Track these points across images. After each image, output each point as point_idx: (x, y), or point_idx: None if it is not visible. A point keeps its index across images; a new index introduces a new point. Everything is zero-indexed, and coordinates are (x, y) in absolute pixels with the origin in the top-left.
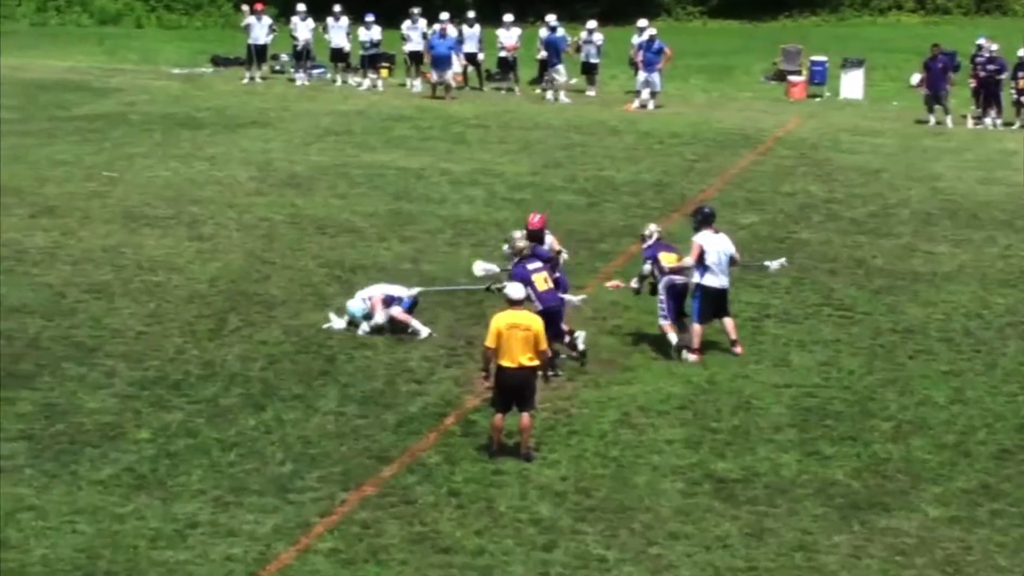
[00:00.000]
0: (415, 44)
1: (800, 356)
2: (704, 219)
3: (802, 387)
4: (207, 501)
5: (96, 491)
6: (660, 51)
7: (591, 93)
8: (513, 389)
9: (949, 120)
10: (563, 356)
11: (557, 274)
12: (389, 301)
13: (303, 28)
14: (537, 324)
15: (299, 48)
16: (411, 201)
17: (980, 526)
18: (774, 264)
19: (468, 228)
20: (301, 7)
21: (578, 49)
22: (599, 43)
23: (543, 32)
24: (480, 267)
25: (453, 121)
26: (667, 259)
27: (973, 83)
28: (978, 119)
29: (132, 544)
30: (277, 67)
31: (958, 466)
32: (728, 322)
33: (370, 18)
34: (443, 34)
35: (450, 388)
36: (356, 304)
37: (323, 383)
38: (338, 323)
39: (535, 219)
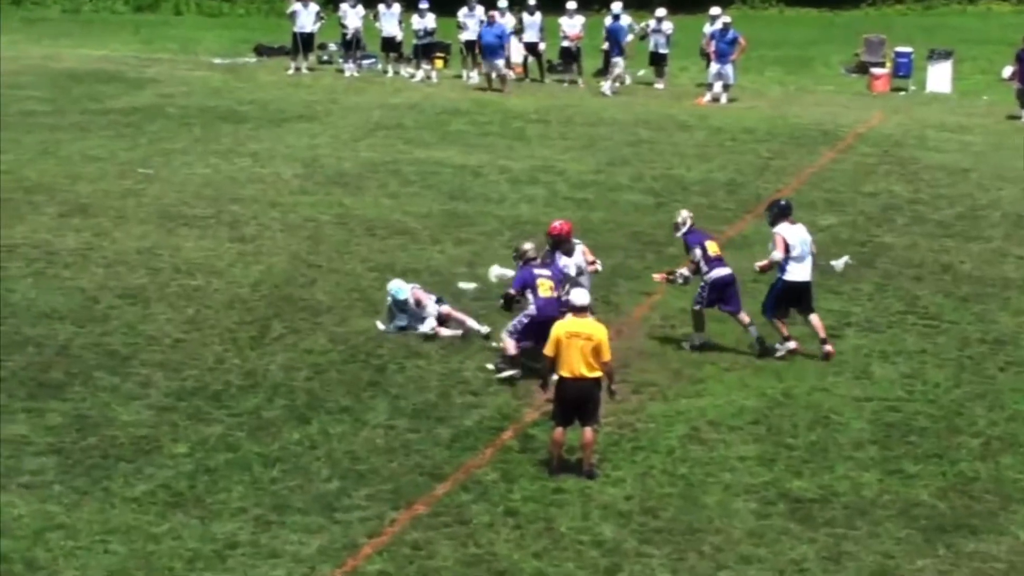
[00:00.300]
0: (472, 33)
1: (882, 368)
2: (781, 211)
3: (884, 401)
4: (248, 520)
5: (130, 509)
6: (734, 41)
7: (660, 86)
8: (574, 402)
9: None
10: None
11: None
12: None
13: (353, 15)
14: (600, 333)
15: (348, 37)
16: (467, 201)
17: None
18: (839, 263)
19: (527, 230)
20: None
21: (643, 37)
22: (669, 32)
23: (608, 20)
24: (495, 272)
25: (512, 115)
26: (712, 247)
27: None
28: None
29: (168, 566)
30: (325, 57)
31: None
32: (814, 319)
33: (424, 5)
34: (491, 22)
35: (508, 400)
36: (400, 285)
37: (372, 394)
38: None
39: (559, 224)
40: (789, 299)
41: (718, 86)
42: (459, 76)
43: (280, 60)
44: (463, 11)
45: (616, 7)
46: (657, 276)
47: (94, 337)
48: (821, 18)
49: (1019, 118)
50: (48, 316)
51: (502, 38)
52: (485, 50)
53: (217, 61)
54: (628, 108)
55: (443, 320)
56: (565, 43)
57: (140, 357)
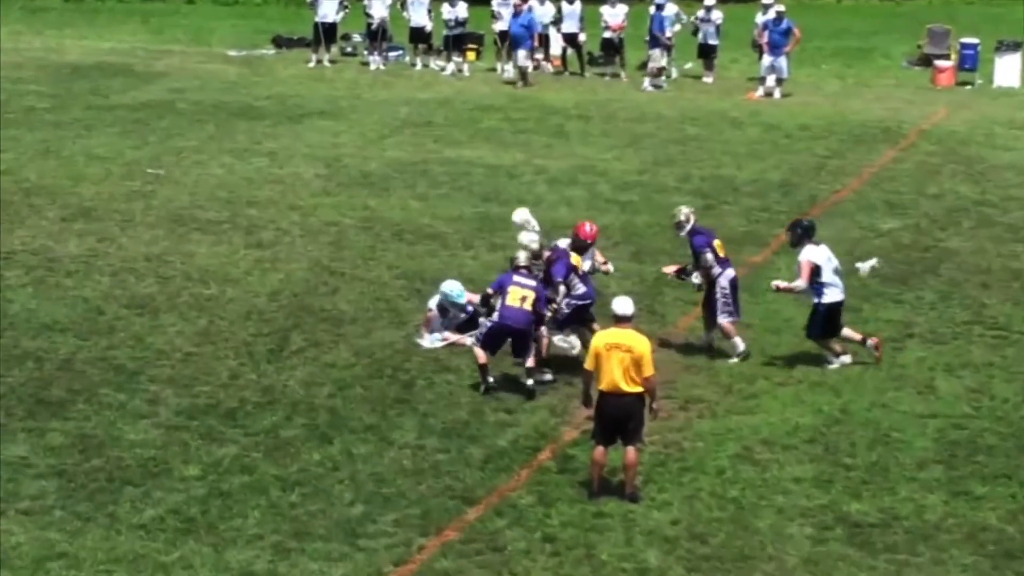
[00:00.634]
0: (507, 23)
1: (947, 382)
2: (805, 232)
3: (949, 417)
4: (265, 547)
5: (137, 536)
6: (788, 32)
7: (708, 80)
8: (615, 419)
9: None
10: (530, 382)
11: (582, 289)
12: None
13: (379, 4)
14: (641, 345)
15: (374, 27)
16: (501, 204)
17: None
18: (865, 266)
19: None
20: None
21: (695, 32)
22: (718, 22)
23: (652, 10)
24: (520, 216)
25: (550, 111)
26: (721, 248)
27: None
28: None
29: None
30: (348, 49)
31: None
32: (846, 330)
33: None
34: (517, 11)
35: (545, 418)
36: (458, 287)
37: (399, 412)
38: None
39: (588, 228)
40: (833, 320)
41: (771, 80)
42: (493, 69)
43: (300, 52)
44: (497, 0)
45: None
46: (668, 269)
47: (99, 351)
48: (882, 7)
49: None
50: (49, 328)
51: (529, 28)
52: (512, 41)
53: (232, 53)
54: (675, 103)
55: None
56: (607, 34)
57: (148, 372)
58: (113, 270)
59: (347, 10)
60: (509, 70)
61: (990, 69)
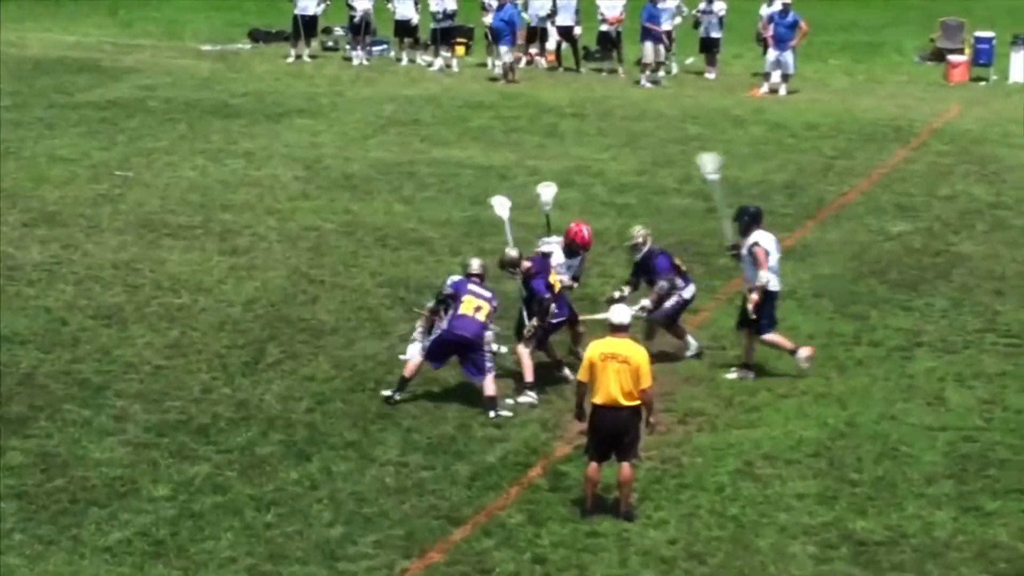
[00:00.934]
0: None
1: (958, 393)
2: (753, 219)
3: (960, 430)
4: (239, 571)
5: (102, 560)
6: (795, 25)
7: (711, 75)
8: (610, 434)
9: None
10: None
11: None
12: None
13: None
14: (639, 356)
15: (356, 20)
16: (491, 207)
17: None
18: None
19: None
20: None
21: (696, 25)
22: (721, 14)
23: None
24: (499, 203)
25: (544, 109)
26: (680, 262)
27: None
28: None
29: None
30: (329, 43)
31: None
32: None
33: None
34: (500, 4)
35: (535, 433)
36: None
37: (381, 428)
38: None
39: (586, 234)
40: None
41: (776, 76)
42: (483, 65)
43: (278, 46)
44: None
45: None
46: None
47: (62, 364)
48: None
49: None
50: (9, 340)
51: (511, 23)
52: (495, 36)
53: (206, 48)
54: (675, 101)
55: None
56: (604, 27)
57: (115, 387)
58: (78, 278)
59: (328, 2)
60: (498, 65)
61: (1006, 64)
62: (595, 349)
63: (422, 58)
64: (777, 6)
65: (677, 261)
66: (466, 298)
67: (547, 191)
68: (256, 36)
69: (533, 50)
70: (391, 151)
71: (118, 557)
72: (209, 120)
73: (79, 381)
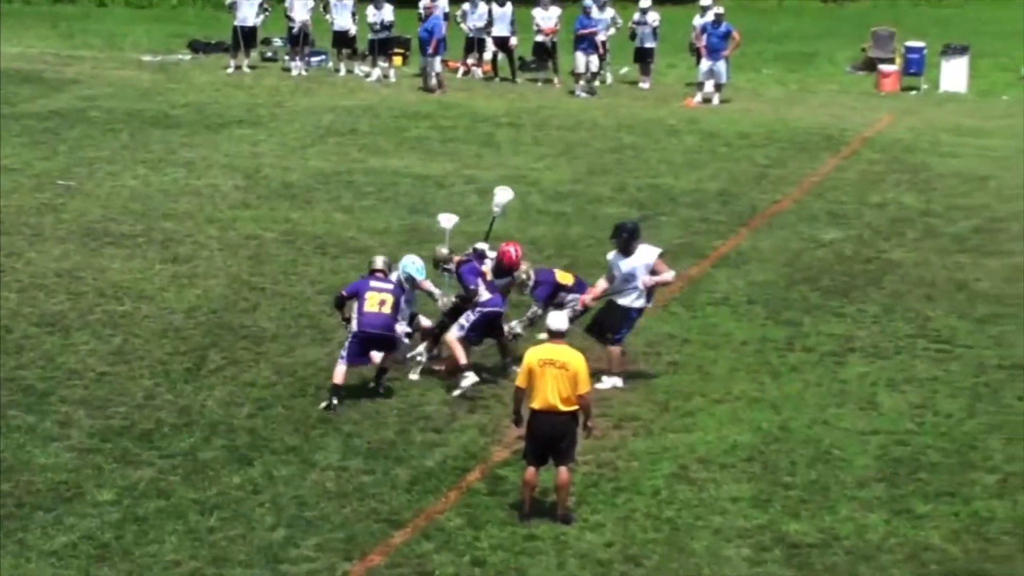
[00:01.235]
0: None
1: (890, 397)
2: (632, 235)
3: (891, 434)
4: (183, 574)
5: (48, 564)
6: (727, 35)
7: (644, 85)
8: (548, 438)
9: None
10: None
11: (487, 295)
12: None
13: (300, 7)
14: (577, 362)
15: (295, 31)
16: (430, 215)
17: None
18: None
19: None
20: None
21: (633, 36)
22: (655, 24)
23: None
24: (446, 219)
25: (480, 119)
26: (564, 277)
27: None
28: None
29: None
30: (269, 54)
31: None
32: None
33: None
34: (427, 14)
35: (474, 438)
36: (418, 262)
37: (322, 433)
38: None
39: (514, 254)
40: None
41: (709, 85)
42: (420, 75)
43: (218, 57)
44: (424, 1)
45: None
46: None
47: (6, 371)
48: (825, 10)
49: None
50: None
51: (432, 33)
52: (420, 46)
53: (147, 59)
54: (610, 110)
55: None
56: (539, 38)
57: (59, 393)
58: (21, 286)
59: (267, 13)
60: (436, 77)
61: (936, 74)
62: (534, 355)
63: (360, 69)
64: (710, 17)
65: (559, 273)
66: (369, 294)
67: (503, 194)
68: (196, 47)
69: (470, 60)
70: (330, 160)
71: (64, 561)
72: (150, 130)
73: (23, 387)
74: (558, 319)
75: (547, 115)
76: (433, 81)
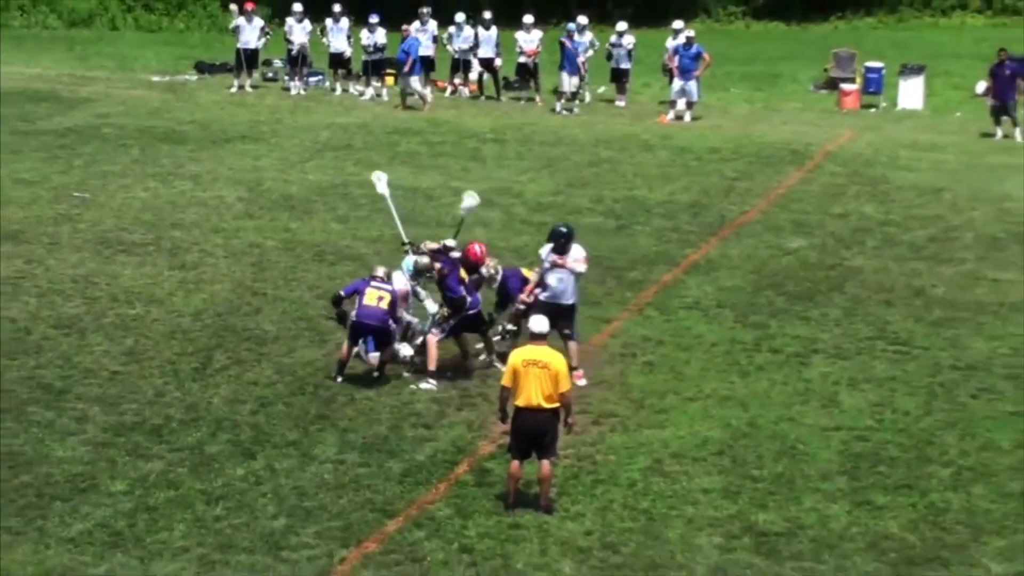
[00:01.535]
0: (426, 49)
1: (851, 396)
2: (567, 237)
3: (852, 430)
4: (190, 560)
5: (66, 550)
6: (698, 56)
7: (620, 103)
8: (531, 434)
9: (1018, 133)
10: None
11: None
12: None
13: (299, 30)
14: (558, 362)
15: (294, 53)
16: (420, 225)
17: None
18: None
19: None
20: (297, 7)
21: (609, 58)
22: (630, 47)
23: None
24: (377, 178)
25: (467, 135)
26: (530, 274)
27: None
28: None
29: None
30: (269, 74)
31: None
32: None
33: (374, 19)
34: (404, 37)
35: (462, 433)
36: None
37: (320, 428)
38: (406, 349)
39: (477, 250)
40: None
41: (681, 103)
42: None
43: (222, 77)
44: (415, 25)
45: (582, 19)
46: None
47: (27, 370)
48: (789, 32)
49: (993, 136)
50: None
51: (408, 52)
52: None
53: (156, 79)
54: (588, 127)
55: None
56: (522, 59)
57: (76, 390)
58: (40, 291)
59: (268, 36)
60: (427, 94)
61: (894, 92)
62: (518, 356)
63: (355, 88)
64: (681, 39)
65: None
66: (369, 290)
67: (470, 199)
68: (202, 68)
69: (457, 80)
70: (327, 174)
71: (80, 547)
72: (159, 146)
73: (42, 385)
74: (539, 322)
75: (530, 131)
76: (412, 99)
